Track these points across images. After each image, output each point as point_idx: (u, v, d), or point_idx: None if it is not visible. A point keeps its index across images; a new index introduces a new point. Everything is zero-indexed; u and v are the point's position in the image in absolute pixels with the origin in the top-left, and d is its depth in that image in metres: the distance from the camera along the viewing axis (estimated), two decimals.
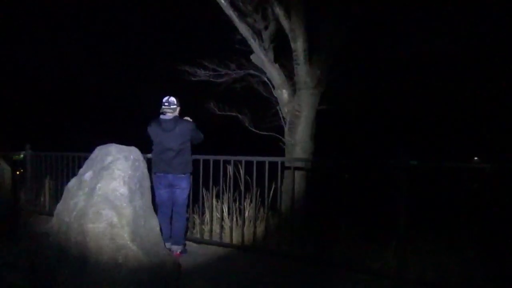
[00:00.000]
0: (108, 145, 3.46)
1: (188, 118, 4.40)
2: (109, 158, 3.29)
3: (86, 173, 3.35)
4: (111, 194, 3.11)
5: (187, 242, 4.62)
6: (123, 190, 3.16)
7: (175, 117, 4.26)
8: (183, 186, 4.31)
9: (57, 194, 6.24)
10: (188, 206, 4.61)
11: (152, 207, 3.54)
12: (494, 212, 3.38)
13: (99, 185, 3.13)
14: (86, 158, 4.23)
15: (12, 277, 2.93)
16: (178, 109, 4.31)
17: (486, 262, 3.34)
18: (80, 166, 5.45)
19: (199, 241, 4.96)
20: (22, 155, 6.89)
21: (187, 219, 4.56)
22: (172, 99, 4.25)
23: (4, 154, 6.38)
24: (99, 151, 3.47)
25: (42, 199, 6.66)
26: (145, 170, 3.52)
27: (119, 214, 3.06)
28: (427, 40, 5.11)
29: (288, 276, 3.83)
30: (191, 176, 4.43)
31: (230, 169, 4.80)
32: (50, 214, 5.99)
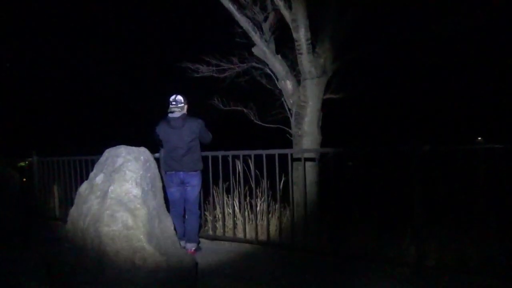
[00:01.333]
0: (117, 147, 3.43)
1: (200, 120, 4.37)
2: (120, 160, 3.26)
3: (97, 177, 3.32)
4: (124, 196, 3.08)
5: (200, 240, 4.60)
6: (136, 191, 3.13)
7: (183, 115, 4.23)
8: (194, 184, 4.29)
9: (66, 199, 6.24)
10: (199, 203, 4.59)
11: (165, 206, 3.51)
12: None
13: (111, 188, 3.10)
14: (93, 161, 4.20)
15: (29, 284, 2.91)
16: (185, 107, 4.29)
17: (505, 245, 3.30)
18: (87, 170, 5.49)
19: (212, 238, 4.95)
20: (26, 162, 6.88)
21: (200, 216, 4.55)
22: (179, 97, 4.22)
23: (11, 161, 6.37)
24: (108, 153, 3.43)
25: (51, 204, 6.65)
26: (156, 170, 3.49)
27: (134, 216, 3.03)
28: (433, 23, 5.01)
29: (306, 269, 3.80)
30: (202, 173, 4.40)
31: (239, 164, 4.78)
32: (60, 219, 6.00)
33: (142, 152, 3.41)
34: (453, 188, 3.59)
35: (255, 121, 6.45)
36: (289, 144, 5.85)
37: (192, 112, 4.41)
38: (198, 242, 4.44)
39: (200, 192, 4.50)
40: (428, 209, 3.53)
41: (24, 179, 6.73)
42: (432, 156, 3.59)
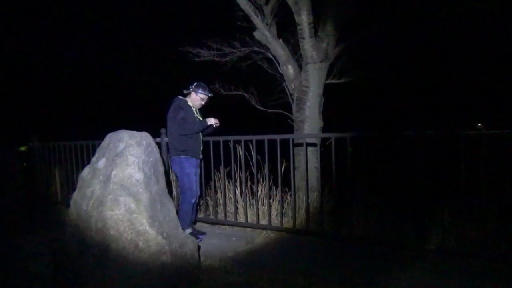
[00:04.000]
0: (119, 131, 3.42)
1: (212, 119, 4.38)
2: (122, 145, 3.26)
3: (100, 161, 3.32)
4: (127, 181, 3.09)
5: (202, 224, 4.65)
6: (139, 176, 3.13)
7: (175, 101, 4.35)
8: (175, 170, 4.41)
9: (68, 184, 6.26)
10: (190, 190, 4.35)
11: (167, 191, 3.52)
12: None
13: (114, 172, 3.11)
14: (94, 146, 4.17)
15: (35, 267, 2.95)
16: (190, 93, 4.36)
17: (506, 228, 3.33)
18: (89, 155, 5.50)
19: (214, 222, 4.99)
20: (26, 147, 6.88)
21: (189, 203, 4.33)
22: (192, 84, 4.36)
23: (12, 147, 6.37)
24: (110, 138, 3.43)
25: (53, 189, 6.68)
26: (158, 155, 3.48)
27: (136, 200, 3.05)
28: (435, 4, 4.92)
29: (308, 252, 3.85)
30: (187, 159, 4.33)
31: (240, 149, 4.78)
32: (63, 203, 6.04)
33: (144, 137, 3.40)
34: (454, 172, 3.60)
35: (257, 106, 6.43)
36: (290, 129, 5.84)
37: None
38: (191, 230, 4.42)
39: (186, 180, 4.33)
40: (429, 193, 3.56)
41: (24, 164, 6.75)
42: (435, 141, 3.59)
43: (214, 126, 4.42)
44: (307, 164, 4.62)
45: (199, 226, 4.90)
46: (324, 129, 5.66)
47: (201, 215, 5.09)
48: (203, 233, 4.52)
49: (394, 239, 3.78)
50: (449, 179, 3.64)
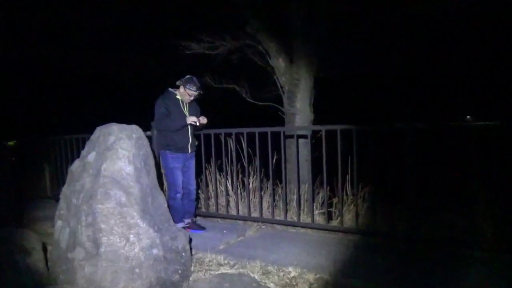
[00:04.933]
0: (108, 124, 3.39)
1: (191, 118, 4.23)
2: (112, 138, 3.23)
3: (89, 155, 3.30)
4: (117, 174, 3.08)
5: (194, 217, 4.65)
6: (129, 169, 3.12)
7: (163, 93, 4.32)
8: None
9: (57, 178, 6.21)
10: (173, 185, 4.32)
11: (158, 184, 3.52)
12: (500, 168, 3.40)
13: (104, 165, 3.09)
14: (84, 140, 4.13)
15: (26, 261, 2.93)
16: (180, 87, 4.26)
17: (495, 218, 3.39)
18: (78, 148, 5.45)
19: (206, 215, 5.01)
20: (14, 142, 6.80)
21: (172, 198, 4.28)
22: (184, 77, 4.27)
23: (0, 141, 6.29)
24: (100, 131, 3.40)
25: (43, 183, 6.62)
26: (149, 148, 3.47)
27: (127, 193, 3.04)
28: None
29: (299, 243, 3.88)
30: (171, 154, 4.29)
31: (231, 142, 4.78)
32: (52, 198, 5.99)
33: (134, 130, 3.38)
34: (443, 164, 3.66)
35: (248, 99, 6.41)
36: (281, 122, 5.85)
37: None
38: (186, 223, 4.43)
39: (170, 176, 4.32)
40: (418, 184, 3.60)
41: (13, 159, 6.66)
42: (425, 134, 3.63)
43: (196, 124, 4.25)
44: (298, 156, 4.64)
45: None
46: (315, 122, 5.68)
47: None
48: (203, 228, 4.49)
49: (384, 230, 3.84)
50: (440, 171, 3.69)
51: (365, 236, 3.89)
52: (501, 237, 3.32)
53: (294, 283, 2.96)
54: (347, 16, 5.47)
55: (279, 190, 4.85)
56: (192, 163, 4.47)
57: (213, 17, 6.39)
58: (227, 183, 4.91)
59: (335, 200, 4.39)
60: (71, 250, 2.98)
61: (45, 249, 3.19)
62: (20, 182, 6.33)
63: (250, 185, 4.79)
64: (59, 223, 3.23)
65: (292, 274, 3.09)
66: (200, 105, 4.55)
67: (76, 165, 3.40)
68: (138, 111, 4.65)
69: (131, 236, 2.94)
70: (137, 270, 2.85)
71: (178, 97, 4.29)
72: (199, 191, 5.16)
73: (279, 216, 4.58)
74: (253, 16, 5.52)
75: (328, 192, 4.33)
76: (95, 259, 2.87)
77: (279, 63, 5.75)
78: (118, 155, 3.13)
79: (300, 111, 5.58)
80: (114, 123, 3.41)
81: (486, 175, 3.42)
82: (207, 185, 5.08)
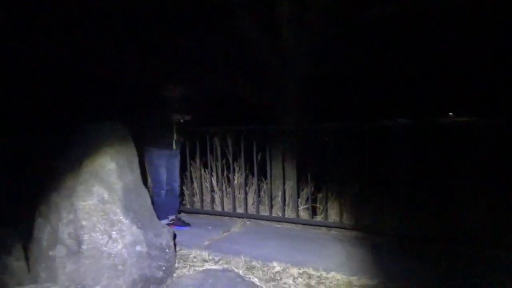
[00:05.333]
0: (91, 120, 3.34)
1: (175, 115, 4.25)
2: (95, 134, 3.19)
3: (71, 151, 3.24)
4: (99, 170, 3.03)
5: (178, 214, 4.62)
6: (112, 165, 3.08)
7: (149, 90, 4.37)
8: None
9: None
10: (157, 181, 4.32)
11: (142, 181, 3.48)
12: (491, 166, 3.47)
13: (86, 161, 3.04)
14: (65, 135, 4.03)
15: (5, 259, 2.86)
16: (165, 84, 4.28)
17: (484, 214, 3.46)
18: (58, 143, 5.33)
19: (190, 211, 4.99)
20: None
21: (157, 195, 4.27)
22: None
23: None
24: (82, 127, 3.35)
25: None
26: (132, 144, 3.42)
27: (110, 190, 3.00)
28: None
29: (284, 239, 3.91)
30: (154, 150, 4.27)
31: (216, 139, 4.77)
32: None
33: (118, 126, 3.34)
34: (430, 161, 3.73)
35: (237, 95, 6.37)
36: (268, 119, 5.83)
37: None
38: (170, 219, 4.41)
39: (152, 172, 4.32)
40: (405, 180, 3.67)
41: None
42: (412, 131, 3.69)
43: (181, 121, 4.26)
44: (284, 153, 4.66)
45: None
46: (303, 119, 5.68)
47: None
48: (187, 225, 4.47)
49: (367, 225, 3.89)
50: (425, 168, 3.76)
51: (350, 230, 3.94)
52: (489, 233, 3.39)
53: (279, 278, 2.98)
54: (336, 12, 5.46)
55: (264, 186, 4.86)
56: (177, 160, 4.45)
57: (205, 11, 6.29)
58: (212, 179, 4.90)
59: (319, 196, 4.43)
60: (52, 248, 2.93)
61: (25, 247, 3.13)
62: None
63: (235, 181, 4.79)
64: (39, 220, 3.17)
65: (277, 269, 3.11)
66: (188, 101, 4.53)
67: (56, 160, 3.34)
68: (124, 107, 4.58)
69: (114, 233, 2.91)
70: (120, 267, 2.83)
71: (164, 93, 4.28)
72: (184, 188, 5.13)
73: (264, 211, 4.60)
74: (243, 10, 5.48)
75: (312, 188, 4.38)
76: (77, 257, 2.83)
77: (269, 60, 5.72)
78: (100, 151, 3.09)
79: (287, 108, 5.57)
80: (98, 118, 3.36)
81: (472, 171, 3.50)
82: (192, 181, 5.05)
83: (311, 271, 3.05)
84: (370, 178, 3.95)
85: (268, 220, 4.46)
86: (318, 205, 4.44)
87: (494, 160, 3.37)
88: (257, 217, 4.52)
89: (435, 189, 3.71)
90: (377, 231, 3.79)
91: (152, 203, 3.47)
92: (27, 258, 3.10)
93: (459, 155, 3.53)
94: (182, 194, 5.07)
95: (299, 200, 4.54)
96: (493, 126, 3.38)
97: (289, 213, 4.51)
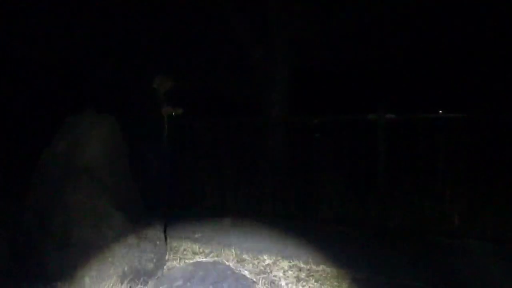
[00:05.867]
0: (81, 113, 3.31)
1: (166, 108, 4.25)
2: (82, 128, 3.16)
3: (60, 144, 3.21)
4: (89, 164, 3.02)
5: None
6: (102, 159, 3.07)
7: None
8: None
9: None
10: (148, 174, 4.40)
11: (131, 174, 3.46)
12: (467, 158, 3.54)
13: (75, 155, 3.02)
14: (54, 128, 3.99)
15: None
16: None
17: (462, 207, 3.53)
18: (49, 137, 5.27)
19: (181, 205, 4.97)
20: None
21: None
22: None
23: None
24: (71, 120, 3.31)
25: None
26: (121, 138, 3.41)
27: (99, 183, 2.99)
28: None
29: (274, 232, 3.93)
30: (141, 143, 4.29)
31: (207, 132, 4.77)
32: None
33: (106, 119, 3.32)
34: (414, 154, 3.77)
35: (226, 90, 6.37)
36: (258, 113, 5.85)
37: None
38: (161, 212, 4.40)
39: (142, 164, 4.30)
40: (390, 174, 3.71)
41: None
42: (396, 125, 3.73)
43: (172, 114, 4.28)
44: (274, 148, 4.67)
45: None
46: (291, 113, 5.70)
47: None
48: (178, 217, 4.45)
49: (355, 219, 3.94)
50: (409, 162, 3.81)
51: (339, 225, 3.97)
52: (467, 225, 3.46)
53: (269, 271, 3.00)
54: (323, 6, 5.49)
55: (255, 180, 4.87)
56: (168, 152, 4.44)
57: (190, 9, 6.25)
58: (203, 173, 4.90)
59: (310, 191, 4.45)
60: (41, 241, 2.91)
61: (14, 240, 3.09)
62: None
63: (227, 175, 4.79)
64: (28, 214, 3.14)
65: (267, 262, 3.13)
66: (177, 95, 4.52)
67: (45, 154, 3.30)
68: (113, 100, 4.54)
69: (103, 226, 2.90)
70: (110, 259, 2.82)
71: (154, 87, 4.28)
72: (175, 181, 5.11)
73: (256, 207, 4.61)
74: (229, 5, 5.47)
75: (302, 183, 4.40)
76: (66, 250, 2.81)
77: (256, 54, 5.73)
78: (89, 145, 3.07)
79: (276, 103, 5.59)
80: (87, 112, 3.32)
81: (452, 165, 3.56)
82: (183, 175, 5.04)
83: (301, 264, 3.08)
84: (358, 172, 3.98)
85: (257, 215, 4.48)
86: (309, 200, 4.47)
87: (471, 156, 3.45)
88: (248, 212, 4.53)
89: (414, 184, 3.77)
90: (362, 225, 3.83)
91: (142, 195, 3.46)
92: (16, 251, 3.08)
93: (436, 150, 3.60)
94: (172, 187, 5.05)
95: (290, 195, 4.56)
96: (469, 121, 3.44)
97: (281, 208, 4.52)
